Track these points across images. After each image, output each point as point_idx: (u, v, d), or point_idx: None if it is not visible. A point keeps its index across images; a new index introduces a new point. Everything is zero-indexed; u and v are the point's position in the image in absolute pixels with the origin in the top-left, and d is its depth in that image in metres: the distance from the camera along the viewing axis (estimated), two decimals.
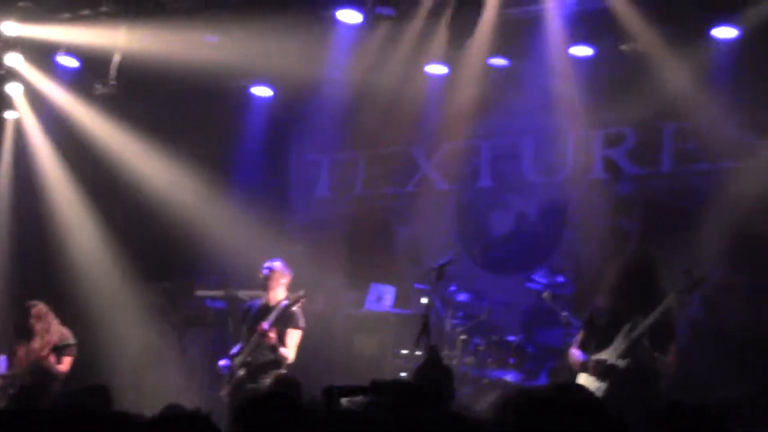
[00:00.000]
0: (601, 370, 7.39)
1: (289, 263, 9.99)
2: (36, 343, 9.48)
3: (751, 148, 9.91)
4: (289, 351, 8.95)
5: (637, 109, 10.32)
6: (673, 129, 10.54)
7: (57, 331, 9.60)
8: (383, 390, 3.28)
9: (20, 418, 3.41)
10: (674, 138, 10.54)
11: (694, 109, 10.01)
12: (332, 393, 3.45)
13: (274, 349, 8.89)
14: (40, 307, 9.65)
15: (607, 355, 7.42)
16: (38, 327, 9.53)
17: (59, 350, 9.46)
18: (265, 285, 9.22)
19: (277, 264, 9.27)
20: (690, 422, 4.31)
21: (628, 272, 7.58)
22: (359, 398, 3.35)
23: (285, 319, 8.94)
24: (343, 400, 3.37)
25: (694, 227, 9.96)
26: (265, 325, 8.82)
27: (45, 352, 9.40)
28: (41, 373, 9.38)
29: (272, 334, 8.82)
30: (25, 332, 9.59)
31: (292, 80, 11.21)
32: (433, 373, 3.59)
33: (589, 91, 10.70)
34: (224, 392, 9.22)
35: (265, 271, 9.20)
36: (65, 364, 9.52)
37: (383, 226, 12.45)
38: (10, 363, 9.64)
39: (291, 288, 9.26)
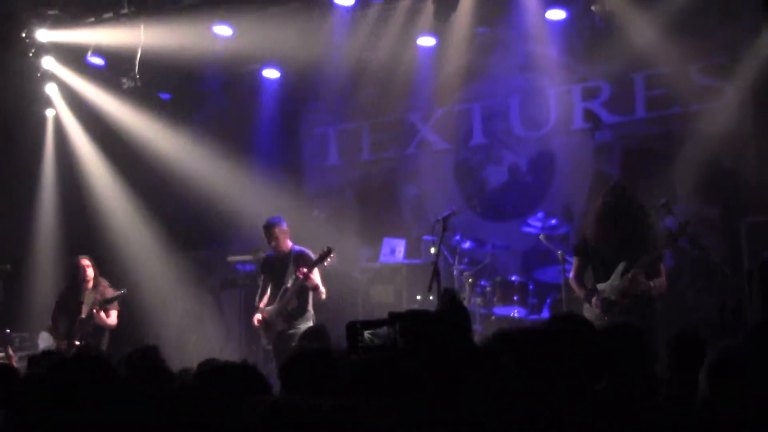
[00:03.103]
0: (604, 306, 7.47)
1: (308, 227, 10.10)
2: (86, 301, 9.47)
3: (714, 91, 9.99)
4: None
5: (610, 63, 10.40)
6: (644, 78, 10.60)
7: (102, 288, 9.59)
8: (403, 319, 3.40)
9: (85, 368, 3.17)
10: (645, 87, 10.60)
11: (662, 59, 10.10)
12: (355, 328, 3.54)
13: (316, 288, 9.06)
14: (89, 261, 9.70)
15: (607, 291, 7.49)
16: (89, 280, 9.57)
17: (105, 305, 9.42)
18: (270, 240, 9.30)
19: (278, 220, 9.35)
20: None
21: (610, 207, 7.63)
22: (383, 330, 3.46)
23: (306, 263, 9.13)
24: (367, 333, 3.49)
25: (668, 166, 10.09)
26: (304, 270, 8.95)
27: (94, 310, 9.37)
28: (93, 329, 9.38)
29: (315, 273, 8.99)
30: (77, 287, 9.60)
31: (298, 61, 11.25)
32: (454, 314, 3.69)
33: (565, 50, 10.79)
34: (266, 343, 9.36)
35: (270, 228, 9.31)
36: (113, 317, 9.49)
37: (390, 187, 12.52)
38: (71, 321, 9.51)
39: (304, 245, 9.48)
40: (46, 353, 7.10)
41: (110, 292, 9.56)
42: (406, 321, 3.37)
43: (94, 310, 9.37)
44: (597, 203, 7.80)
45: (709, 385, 3.82)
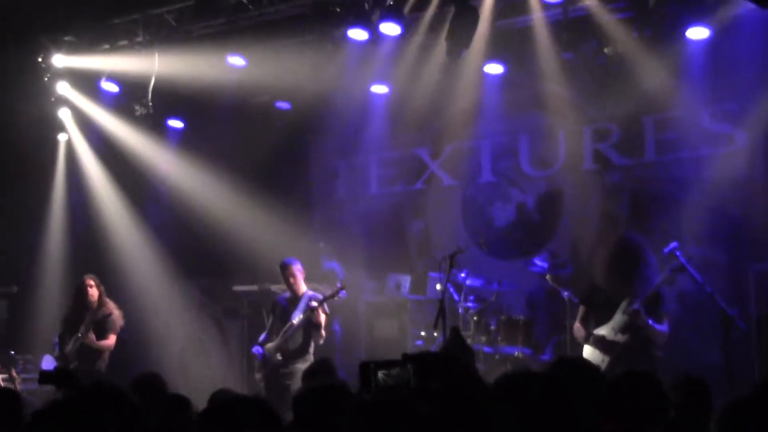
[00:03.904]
0: (602, 346, 7.48)
1: (314, 259, 10.11)
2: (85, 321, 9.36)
3: (725, 137, 10.01)
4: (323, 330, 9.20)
5: (621, 105, 10.42)
6: (654, 122, 10.61)
7: (106, 309, 9.48)
8: (416, 361, 3.39)
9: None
10: (656, 130, 10.62)
11: (673, 103, 10.13)
12: (368, 368, 3.53)
13: (318, 327, 9.05)
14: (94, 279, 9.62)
15: (607, 331, 7.50)
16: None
17: (100, 325, 9.32)
18: (287, 278, 9.36)
19: (295, 260, 9.43)
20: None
21: (617, 254, 7.67)
22: (395, 371, 3.45)
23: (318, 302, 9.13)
24: (380, 373, 3.47)
25: (677, 211, 10.09)
26: (313, 304, 9.04)
27: (88, 330, 9.25)
28: (89, 350, 9.27)
29: (322, 312, 9.04)
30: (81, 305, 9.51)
31: (309, 94, 11.30)
32: (457, 352, 3.69)
33: (576, 90, 10.81)
34: (259, 376, 9.34)
35: (288, 267, 9.36)
36: (110, 340, 9.35)
37: (397, 221, 12.49)
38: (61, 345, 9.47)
39: (310, 279, 9.51)
40: (59, 371, 7.04)
41: (116, 315, 9.48)
42: (420, 362, 3.36)
43: (87, 332, 9.27)
44: (603, 254, 7.85)
45: None
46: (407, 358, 3.48)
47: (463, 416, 3.18)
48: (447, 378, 3.26)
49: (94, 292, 9.51)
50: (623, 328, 7.41)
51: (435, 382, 3.25)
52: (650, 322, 7.38)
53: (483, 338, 9.92)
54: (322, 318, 9.12)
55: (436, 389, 3.21)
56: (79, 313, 9.48)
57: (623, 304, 7.49)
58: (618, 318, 7.47)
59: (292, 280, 9.31)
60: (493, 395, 3.54)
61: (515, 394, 3.44)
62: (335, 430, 3.28)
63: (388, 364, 3.52)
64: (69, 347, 9.32)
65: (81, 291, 9.53)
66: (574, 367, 4.17)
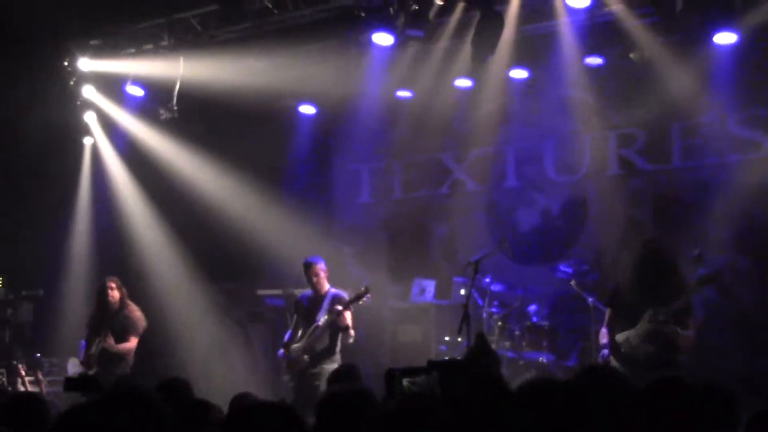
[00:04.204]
0: (616, 358, 7.43)
1: (338, 263, 10.11)
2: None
3: (753, 143, 9.94)
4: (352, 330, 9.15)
5: (647, 111, 10.37)
6: (681, 128, 10.56)
7: (128, 312, 9.44)
8: (441, 368, 3.38)
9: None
10: (682, 136, 10.56)
11: (699, 109, 10.06)
12: (393, 375, 3.52)
13: (346, 329, 9.01)
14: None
15: (632, 337, 7.44)
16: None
17: (120, 328, 9.26)
18: (311, 277, 9.33)
19: (319, 259, 9.40)
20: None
21: (645, 259, 7.59)
22: (420, 378, 3.44)
23: (342, 303, 9.11)
24: (405, 381, 3.46)
25: (702, 217, 10.02)
26: (338, 307, 8.97)
27: (107, 334, 9.20)
28: (108, 355, 9.21)
29: (347, 313, 8.98)
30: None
31: (334, 98, 11.33)
32: (482, 358, 3.67)
33: (602, 96, 10.78)
34: (288, 377, 9.33)
35: (312, 266, 9.33)
36: (131, 342, 9.27)
37: (421, 226, 12.48)
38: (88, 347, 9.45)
39: (333, 281, 9.48)
40: (82, 377, 7.06)
41: (137, 317, 9.47)
42: (445, 369, 3.36)
43: (106, 335, 9.24)
44: (630, 258, 7.77)
45: None
46: (432, 365, 3.47)
47: (488, 425, 3.17)
48: (472, 386, 3.25)
49: (114, 294, 9.47)
50: (649, 337, 7.34)
51: (460, 390, 3.25)
52: (676, 329, 7.32)
53: (507, 343, 9.90)
54: (349, 318, 9.08)
55: (461, 397, 3.21)
56: (101, 316, 9.48)
57: (649, 312, 7.40)
58: (644, 325, 7.40)
59: (315, 279, 9.28)
60: (517, 404, 3.52)
61: (540, 403, 3.43)
62: None
63: (413, 372, 3.52)
64: (92, 350, 9.32)
65: (102, 293, 9.51)
66: (600, 375, 4.13)
